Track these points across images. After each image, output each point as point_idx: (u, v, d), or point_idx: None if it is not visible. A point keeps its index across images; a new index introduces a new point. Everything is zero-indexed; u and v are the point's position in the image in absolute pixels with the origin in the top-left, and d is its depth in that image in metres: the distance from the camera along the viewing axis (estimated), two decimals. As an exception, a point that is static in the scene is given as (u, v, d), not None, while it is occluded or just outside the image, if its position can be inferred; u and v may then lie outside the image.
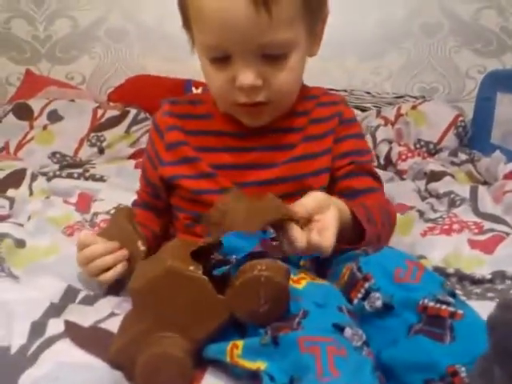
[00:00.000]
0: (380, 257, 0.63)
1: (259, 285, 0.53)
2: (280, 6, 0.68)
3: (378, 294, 0.58)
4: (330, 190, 0.82)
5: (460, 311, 0.53)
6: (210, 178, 0.80)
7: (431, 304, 0.54)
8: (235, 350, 0.53)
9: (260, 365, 0.51)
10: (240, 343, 0.54)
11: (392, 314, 0.57)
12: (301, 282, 0.61)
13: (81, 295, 0.75)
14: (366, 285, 0.60)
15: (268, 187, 0.79)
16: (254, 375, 0.52)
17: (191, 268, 0.55)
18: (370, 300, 0.59)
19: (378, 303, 0.58)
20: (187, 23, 0.78)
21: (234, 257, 0.68)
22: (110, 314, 0.68)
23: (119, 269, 0.74)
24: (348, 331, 0.52)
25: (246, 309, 0.54)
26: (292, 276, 0.59)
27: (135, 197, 0.97)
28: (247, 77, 0.72)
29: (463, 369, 0.49)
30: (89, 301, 0.74)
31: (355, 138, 0.86)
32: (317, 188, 0.80)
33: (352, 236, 0.72)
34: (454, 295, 0.57)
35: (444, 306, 0.54)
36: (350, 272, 0.63)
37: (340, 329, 0.52)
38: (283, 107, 0.80)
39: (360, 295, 0.60)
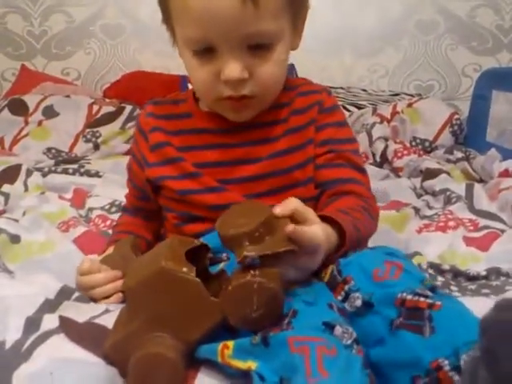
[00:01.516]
0: (359, 258, 0.63)
1: (252, 290, 0.53)
2: None
3: (357, 294, 0.58)
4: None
5: (438, 302, 0.53)
6: (194, 177, 0.80)
7: (409, 297, 0.54)
8: (226, 350, 0.53)
9: (251, 364, 0.51)
10: (231, 344, 0.53)
11: (372, 311, 0.57)
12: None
13: (76, 294, 0.75)
14: (346, 287, 0.60)
15: (254, 183, 0.78)
16: (247, 375, 0.52)
17: (184, 269, 0.55)
18: (350, 300, 0.59)
19: (358, 302, 0.58)
20: (168, 18, 0.77)
21: (224, 254, 0.68)
22: (105, 310, 0.68)
23: (118, 298, 0.74)
24: (338, 329, 0.52)
25: (238, 314, 0.53)
26: None
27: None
28: (234, 69, 0.71)
29: (446, 362, 0.49)
30: (84, 299, 0.74)
31: (335, 126, 0.83)
32: (304, 179, 0.80)
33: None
34: (433, 290, 0.57)
35: (422, 298, 0.54)
36: (330, 275, 0.63)
37: (330, 327, 0.52)
38: (268, 101, 0.79)
39: (340, 297, 0.60)
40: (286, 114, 0.81)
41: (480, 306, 0.57)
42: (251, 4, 0.67)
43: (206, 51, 0.72)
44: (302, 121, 0.82)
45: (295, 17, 0.76)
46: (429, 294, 0.55)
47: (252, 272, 0.54)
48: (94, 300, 0.75)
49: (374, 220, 0.79)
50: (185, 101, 0.86)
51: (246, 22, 0.68)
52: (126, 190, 0.97)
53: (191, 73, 0.77)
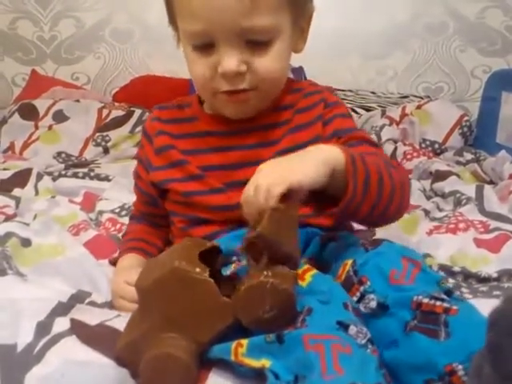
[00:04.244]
0: (377, 257, 0.62)
1: (265, 291, 0.53)
2: None
3: (372, 296, 0.58)
4: None
5: (455, 307, 0.53)
6: (198, 179, 0.80)
7: (425, 300, 0.54)
8: (240, 348, 0.53)
9: (264, 362, 0.51)
10: (244, 342, 0.53)
11: (387, 313, 0.57)
12: (305, 277, 0.60)
13: (88, 299, 0.76)
14: (361, 288, 0.60)
15: None
16: (259, 374, 0.52)
17: (197, 270, 0.55)
18: (365, 301, 0.59)
19: (373, 303, 0.58)
20: (172, 16, 0.78)
21: (234, 257, 0.68)
22: (117, 315, 0.68)
23: None
24: (353, 329, 0.52)
25: (250, 315, 0.54)
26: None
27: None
28: (231, 63, 0.71)
29: (460, 367, 0.49)
30: (96, 304, 0.75)
31: (341, 117, 0.83)
32: None
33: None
34: (450, 293, 0.57)
35: (438, 303, 0.54)
36: (345, 274, 0.63)
37: (344, 326, 0.52)
38: (267, 97, 0.79)
39: (355, 298, 0.60)
40: (289, 115, 0.82)
41: (491, 307, 0.57)
42: None
43: (206, 46, 0.73)
44: (306, 118, 0.82)
45: (297, 16, 0.76)
46: (445, 297, 0.55)
47: (265, 273, 0.54)
48: (115, 308, 0.75)
49: (399, 171, 0.73)
50: (190, 105, 0.87)
51: (241, 15, 0.69)
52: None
53: (190, 67, 0.77)
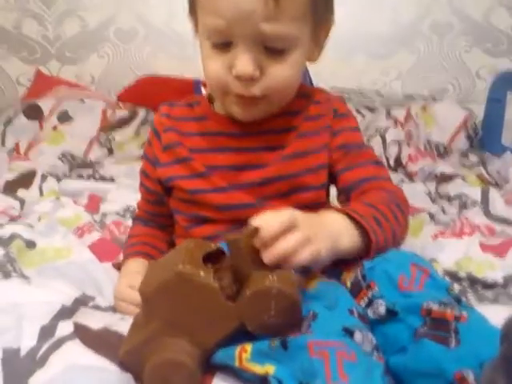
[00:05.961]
0: (385, 263, 0.62)
1: (270, 296, 0.53)
2: None
3: (381, 301, 0.58)
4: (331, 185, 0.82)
5: (465, 314, 0.53)
6: (204, 177, 0.80)
7: (435, 307, 0.54)
8: (244, 353, 0.53)
9: (268, 369, 0.51)
10: (249, 347, 0.53)
11: (396, 319, 0.57)
12: (310, 283, 0.60)
13: (92, 302, 0.76)
14: (370, 293, 0.60)
15: (262, 187, 0.78)
16: (263, 380, 0.52)
17: (202, 274, 0.55)
18: (374, 307, 0.58)
19: (382, 309, 0.58)
20: (194, 7, 0.77)
21: None
22: (121, 318, 0.68)
23: None
24: (358, 335, 0.52)
25: (255, 320, 0.53)
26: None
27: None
28: (246, 65, 0.70)
29: (470, 373, 0.49)
30: (100, 307, 0.75)
31: (350, 130, 0.84)
32: (316, 185, 0.80)
33: (361, 243, 0.69)
34: (458, 300, 0.56)
35: (448, 309, 0.53)
36: (353, 279, 0.63)
37: (350, 333, 0.52)
38: (277, 104, 0.78)
39: (363, 303, 0.60)
40: (298, 121, 0.81)
41: (498, 314, 0.56)
42: (272, 1, 0.67)
43: (224, 44, 0.72)
44: (314, 127, 0.82)
45: (316, 28, 0.76)
46: (454, 304, 0.54)
47: (270, 277, 0.54)
48: (118, 311, 0.75)
49: (403, 211, 0.77)
50: (199, 103, 0.86)
51: (263, 18, 0.69)
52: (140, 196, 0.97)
53: (206, 63, 0.77)
